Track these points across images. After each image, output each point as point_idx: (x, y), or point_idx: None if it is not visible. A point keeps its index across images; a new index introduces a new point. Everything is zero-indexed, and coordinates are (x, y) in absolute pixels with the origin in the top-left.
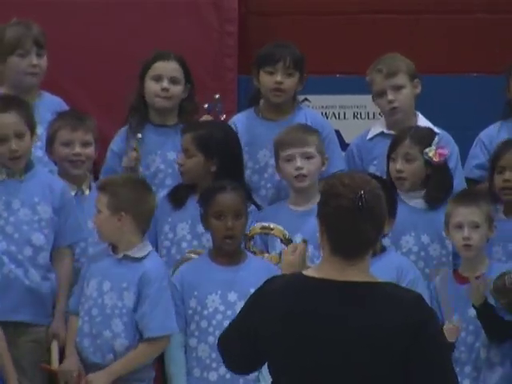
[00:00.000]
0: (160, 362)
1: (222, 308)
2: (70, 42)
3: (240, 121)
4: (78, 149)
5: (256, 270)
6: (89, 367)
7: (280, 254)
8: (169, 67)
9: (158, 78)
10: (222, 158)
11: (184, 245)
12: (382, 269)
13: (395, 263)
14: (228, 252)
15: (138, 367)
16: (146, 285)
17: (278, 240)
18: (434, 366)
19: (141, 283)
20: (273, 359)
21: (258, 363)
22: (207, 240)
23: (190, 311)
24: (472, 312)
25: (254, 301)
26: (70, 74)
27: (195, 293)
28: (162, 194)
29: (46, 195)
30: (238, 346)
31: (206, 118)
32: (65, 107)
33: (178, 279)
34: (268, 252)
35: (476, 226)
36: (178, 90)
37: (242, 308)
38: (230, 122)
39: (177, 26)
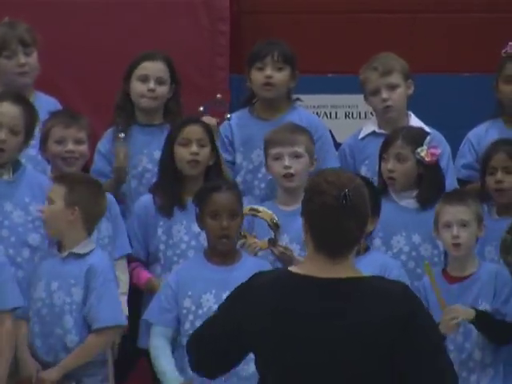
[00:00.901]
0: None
1: (216, 307)
2: (65, 42)
3: (234, 120)
4: (70, 146)
5: (251, 270)
6: (43, 367)
7: (269, 240)
8: (155, 68)
9: (144, 79)
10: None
11: (183, 246)
12: (366, 267)
13: (379, 261)
14: (223, 252)
15: (88, 360)
16: (92, 278)
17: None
18: (424, 355)
19: (87, 277)
20: (260, 355)
21: (234, 362)
22: (204, 239)
23: (185, 310)
24: None
25: (238, 295)
26: (66, 74)
27: (189, 292)
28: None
29: (36, 194)
30: (217, 343)
31: (206, 119)
32: (59, 107)
33: (174, 279)
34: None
35: (464, 225)
36: (163, 90)
37: (224, 303)
38: (225, 122)
39: (169, 25)
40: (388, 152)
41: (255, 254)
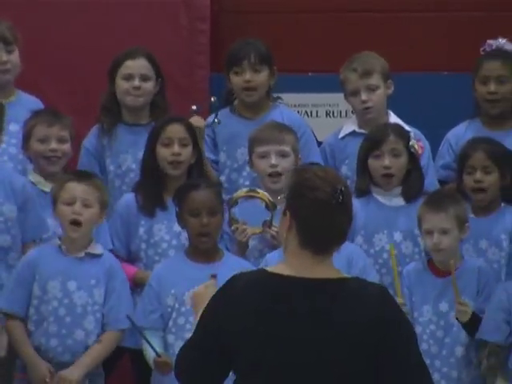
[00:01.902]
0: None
1: None
2: (44, 42)
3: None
4: (54, 145)
5: (232, 268)
6: (56, 367)
7: (264, 222)
8: (138, 65)
9: (128, 77)
10: None
11: (164, 245)
12: (335, 260)
13: (345, 251)
14: (204, 250)
15: (105, 358)
16: (112, 278)
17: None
18: (405, 354)
19: (108, 278)
20: (242, 356)
21: (219, 369)
22: (186, 239)
23: (169, 309)
24: (443, 307)
25: (218, 298)
26: (46, 73)
27: (172, 291)
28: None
29: (8, 194)
30: (202, 353)
31: (194, 119)
32: (41, 106)
33: (155, 278)
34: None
35: (445, 232)
36: (149, 86)
37: (205, 308)
38: (208, 121)
39: (149, 24)
40: (381, 149)
41: (247, 241)
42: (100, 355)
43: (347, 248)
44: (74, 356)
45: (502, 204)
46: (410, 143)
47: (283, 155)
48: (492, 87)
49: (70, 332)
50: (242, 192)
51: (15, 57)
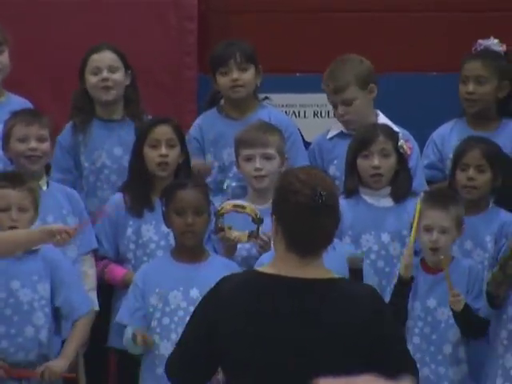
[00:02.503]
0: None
1: (183, 305)
2: (33, 42)
3: (204, 121)
4: (33, 144)
5: (218, 268)
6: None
7: (249, 233)
8: (103, 57)
9: (96, 71)
10: None
11: (152, 246)
12: (332, 260)
13: (343, 254)
14: (189, 248)
15: (83, 344)
16: (55, 270)
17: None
18: (393, 348)
19: (50, 270)
20: (233, 357)
21: (209, 369)
22: (173, 239)
23: (151, 308)
24: (431, 303)
25: (208, 300)
26: (34, 74)
27: (157, 290)
28: (107, 191)
29: None
30: (191, 349)
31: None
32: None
33: (140, 277)
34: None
35: (444, 231)
36: (117, 77)
37: (195, 310)
38: (195, 122)
39: (137, 24)
40: (370, 149)
41: (234, 247)
42: (77, 343)
43: (346, 251)
44: (27, 354)
45: (491, 205)
46: (399, 143)
47: (268, 158)
48: (470, 87)
49: (19, 331)
50: (229, 205)
51: (5, 58)
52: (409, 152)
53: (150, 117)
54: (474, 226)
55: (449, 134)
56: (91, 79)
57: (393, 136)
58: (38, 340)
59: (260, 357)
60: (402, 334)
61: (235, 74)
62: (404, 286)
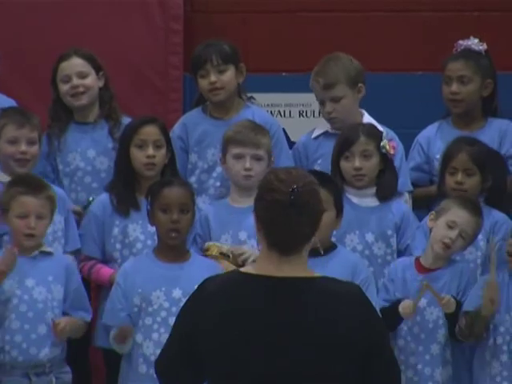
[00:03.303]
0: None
1: (166, 305)
2: (18, 42)
3: (189, 120)
4: (24, 147)
5: (200, 268)
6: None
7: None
8: (72, 65)
9: (66, 79)
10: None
11: (139, 245)
12: (338, 267)
13: (350, 261)
14: (173, 247)
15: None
16: (70, 275)
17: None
18: (379, 350)
19: (67, 276)
20: (212, 358)
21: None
22: None
23: (136, 309)
24: (422, 303)
25: (191, 303)
26: (19, 75)
27: (139, 290)
28: (81, 193)
29: None
30: (176, 355)
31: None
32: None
33: (122, 276)
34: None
35: (464, 236)
36: (89, 81)
37: (179, 313)
38: (179, 122)
39: (122, 24)
40: (351, 150)
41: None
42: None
43: (351, 258)
44: (39, 351)
45: (482, 205)
46: (382, 144)
47: (258, 159)
48: (454, 87)
49: (33, 327)
50: (215, 252)
51: None
52: (392, 151)
53: (125, 117)
54: None
55: (434, 136)
56: (62, 87)
57: (375, 136)
58: (51, 339)
59: (239, 357)
60: (388, 339)
61: (213, 77)
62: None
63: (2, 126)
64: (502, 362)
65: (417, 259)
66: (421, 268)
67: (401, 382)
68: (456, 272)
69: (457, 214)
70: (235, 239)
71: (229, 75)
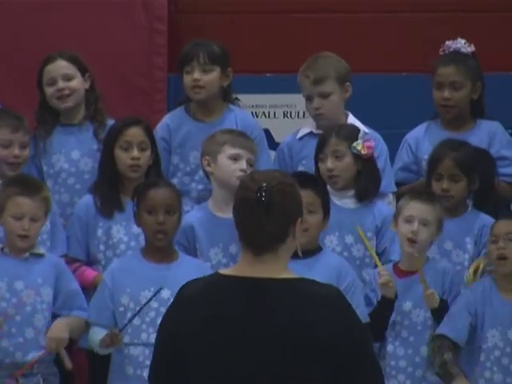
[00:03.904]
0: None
1: (155, 305)
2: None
3: (172, 121)
4: (17, 151)
5: (189, 268)
6: (3, 367)
7: None
8: (57, 67)
9: (52, 82)
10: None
11: (122, 247)
12: (322, 270)
13: (334, 265)
14: (159, 248)
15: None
16: (61, 278)
17: None
18: (359, 352)
19: (57, 277)
20: (192, 361)
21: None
22: (143, 240)
23: (122, 308)
24: (407, 307)
25: (172, 306)
26: (2, 76)
27: (128, 290)
28: (64, 195)
29: None
30: (161, 360)
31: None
32: None
33: (109, 275)
34: None
35: (425, 224)
36: (74, 84)
37: (161, 321)
38: (162, 122)
39: (106, 24)
40: (324, 151)
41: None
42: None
43: (336, 261)
44: (25, 355)
45: (469, 208)
46: (353, 144)
47: (251, 164)
48: (446, 93)
49: (20, 331)
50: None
51: None
52: (365, 152)
53: (109, 118)
54: (453, 227)
55: (423, 136)
56: (48, 90)
57: (348, 136)
58: (38, 343)
59: (218, 360)
60: (370, 344)
61: (196, 75)
62: (387, 306)
63: None
64: (486, 379)
65: (395, 265)
66: (400, 272)
67: None
68: (438, 271)
69: (411, 207)
70: (226, 253)
71: (212, 76)
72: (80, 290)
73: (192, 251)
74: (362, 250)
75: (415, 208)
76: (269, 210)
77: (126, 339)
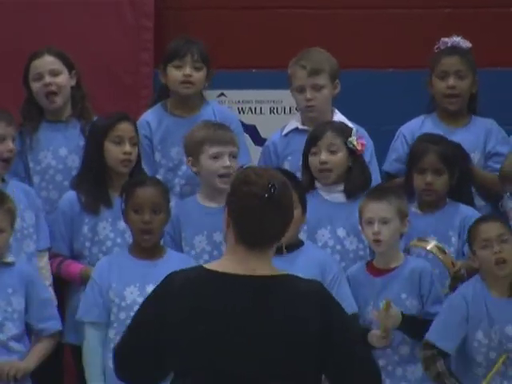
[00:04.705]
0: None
1: (140, 300)
2: None
3: (152, 118)
4: (11, 145)
5: (175, 263)
6: None
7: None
8: (44, 62)
9: (38, 77)
10: None
11: (108, 243)
12: (305, 265)
13: (317, 259)
14: (146, 248)
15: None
16: (32, 287)
17: None
18: (353, 350)
19: (27, 286)
20: (175, 355)
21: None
22: (130, 236)
23: (111, 303)
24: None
25: (158, 293)
26: None
27: (113, 285)
28: (52, 192)
29: None
30: (138, 343)
31: None
32: None
33: (97, 272)
34: None
35: (385, 222)
36: (61, 80)
37: (142, 305)
38: (142, 120)
39: (93, 20)
40: (318, 145)
41: None
42: (41, 356)
43: (319, 255)
44: None
45: (448, 200)
46: (349, 139)
47: (234, 156)
48: (451, 81)
49: None
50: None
51: None
52: (359, 148)
53: (95, 116)
54: (434, 221)
55: (419, 129)
56: (34, 86)
57: (343, 132)
58: (8, 349)
59: (202, 356)
60: (357, 332)
61: (188, 70)
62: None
63: None
64: (478, 377)
65: (369, 263)
66: (375, 271)
67: (380, 379)
68: (413, 273)
69: (367, 209)
70: (210, 241)
71: (202, 74)
72: (52, 298)
73: (178, 240)
74: (354, 242)
75: (371, 209)
76: (276, 209)
77: (111, 333)
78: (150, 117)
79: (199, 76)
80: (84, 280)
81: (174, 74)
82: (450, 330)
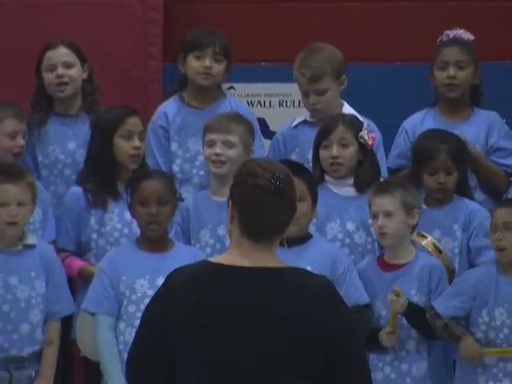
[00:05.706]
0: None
1: (150, 292)
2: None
3: (170, 109)
4: (22, 141)
5: (184, 256)
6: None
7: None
8: (58, 54)
9: (52, 68)
10: None
11: (116, 234)
12: (316, 257)
13: (329, 251)
14: (153, 239)
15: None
16: (52, 269)
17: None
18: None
19: (48, 269)
20: (181, 350)
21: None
22: (137, 227)
23: (121, 296)
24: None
25: (160, 292)
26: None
27: (123, 277)
28: (60, 186)
29: None
30: (145, 348)
31: None
32: None
33: (106, 263)
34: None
35: (389, 215)
36: (73, 73)
37: (148, 305)
38: (159, 111)
39: (101, 14)
40: (329, 138)
41: None
42: (55, 356)
43: (330, 248)
44: (20, 351)
45: (454, 195)
46: (360, 133)
47: (229, 145)
48: (451, 71)
49: (15, 327)
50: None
51: None
52: (370, 142)
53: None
54: (440, 216)
55: (420, 123)
56: (47, 76)
57: (354, 126)
58: (33, 338)
59: (209, 350)
60: (359, 334)
61: (208, 62)
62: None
63: (1, 118)
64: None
65: (379, 258)
66: (385, 266)
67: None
68: (425, 269)
69: (372, 203)
70: (214, 234)
71: (222, 67)
72: (66, 279)
73: (186, 231)
74: (363, 236)
75: (376, 203)
76: (281, 200)
77: (121, 326)
78: (167, 108)
79: (219, 68)
80: (83, 277)
81: (194, 63)
82: (453, 301)
